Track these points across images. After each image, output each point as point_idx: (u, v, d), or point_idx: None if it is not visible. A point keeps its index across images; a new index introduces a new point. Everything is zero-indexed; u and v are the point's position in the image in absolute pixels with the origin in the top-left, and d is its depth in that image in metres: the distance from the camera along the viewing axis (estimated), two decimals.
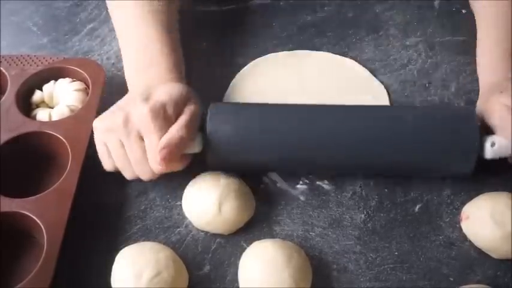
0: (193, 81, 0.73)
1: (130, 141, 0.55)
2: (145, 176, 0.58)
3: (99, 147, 0.59)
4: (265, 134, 0.59)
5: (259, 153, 0.59)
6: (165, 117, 0.55)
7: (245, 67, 0.74)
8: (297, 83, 0.73)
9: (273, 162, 0.61)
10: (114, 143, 0.57)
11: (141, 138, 0.55)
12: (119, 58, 0.76)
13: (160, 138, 0.54)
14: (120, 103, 0.59)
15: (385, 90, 0.72)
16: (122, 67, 0.74)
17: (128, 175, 0.59)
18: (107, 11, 0.82)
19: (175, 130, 0.55)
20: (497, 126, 0.59)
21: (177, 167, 0.57)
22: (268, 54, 0.76)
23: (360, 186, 0.63)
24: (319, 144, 0.59)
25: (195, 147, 0.58)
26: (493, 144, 0.58)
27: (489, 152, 0.59)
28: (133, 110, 0.55)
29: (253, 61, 0.75)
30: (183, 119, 0.56)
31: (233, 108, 0.62)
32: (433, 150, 0.59)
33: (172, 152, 0.54)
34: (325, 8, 0.83)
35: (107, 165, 0.59)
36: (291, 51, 0.77)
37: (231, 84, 0.73)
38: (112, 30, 0.80)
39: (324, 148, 0.59)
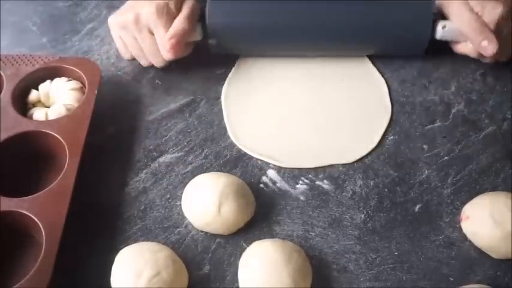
0: (194, 81, 0.74)
1: (142, 36, 0.67)
2: (158, 64, 0.70)
3: (116, 40, 0.71)
4: (255, 17, 0.71)
5: (252, 34, 0.72)
6: (168, 13, 0.66)
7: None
8: (299, 68, 0.74)
9: (263, 40, 0.73)
10: (129, 38, 0.69)
11: (151, 33, 0.67)
12: (118, 58, 0.76)
13: (167, 31, 0.65)
14: (130, 2, 0.70)
15: (382, 79, 0.73)
16: (122, 67, 0.75)
17: (143, 63, 0.71)
18: (107, 11, 0.82)
19: (179, 22, 0.66)
20: (451, 13, 0.68)
21: (183, 53, 0.69)
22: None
23: (360, 186, 0.63)
24: (298, 21, 0.71)
25: (197, 36, 0.70)
26: (444, 27, 0.69)
27: (439, 33, 0.69)
28: (141, 9, 0.66)
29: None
30: (184, 13, 0.67)
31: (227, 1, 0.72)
32: (390, 28, 0.71)
33: (178, 41, 0.65)
34: None
35: (125, 55, 0.72)
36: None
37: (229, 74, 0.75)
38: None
39: (302, 24, 0.71)
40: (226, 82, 0.73)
